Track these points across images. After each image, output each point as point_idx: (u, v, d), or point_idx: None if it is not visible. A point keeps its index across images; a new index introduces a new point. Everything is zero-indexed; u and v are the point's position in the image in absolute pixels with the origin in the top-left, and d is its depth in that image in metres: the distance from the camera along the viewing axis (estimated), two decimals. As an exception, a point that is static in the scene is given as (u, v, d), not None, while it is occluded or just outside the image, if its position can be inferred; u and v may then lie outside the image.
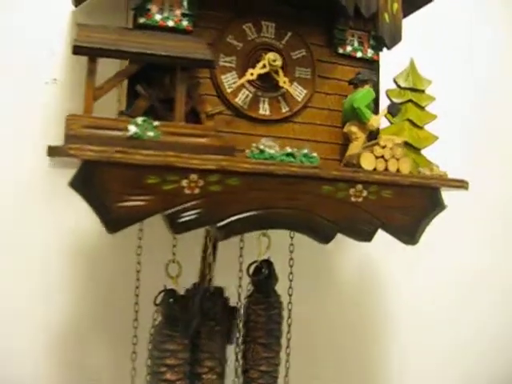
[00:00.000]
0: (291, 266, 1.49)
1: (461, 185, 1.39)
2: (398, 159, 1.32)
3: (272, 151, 1.24)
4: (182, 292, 1.41)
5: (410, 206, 1.38)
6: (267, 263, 1.49)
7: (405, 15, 1.62)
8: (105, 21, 1.42)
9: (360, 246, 1.44)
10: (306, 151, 1.27)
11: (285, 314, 1.50)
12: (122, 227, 1.20)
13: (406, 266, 1.95)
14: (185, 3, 1.36)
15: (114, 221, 1.19)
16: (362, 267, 1.92)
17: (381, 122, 1.43)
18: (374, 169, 1.31)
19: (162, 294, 1.39)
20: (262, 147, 1.24)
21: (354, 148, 1.40)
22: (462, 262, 2.07)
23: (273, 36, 1.43)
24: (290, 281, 1.49)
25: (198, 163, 1.18)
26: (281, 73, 1.40)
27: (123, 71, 1.25)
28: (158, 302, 1.39)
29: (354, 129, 1.41)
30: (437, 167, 1.45)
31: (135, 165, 1.15)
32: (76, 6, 1.64)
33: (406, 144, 1.47)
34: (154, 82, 1.30)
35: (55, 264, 1.56)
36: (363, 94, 1.40)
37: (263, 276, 1.47)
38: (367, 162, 1.29)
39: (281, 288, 1.50)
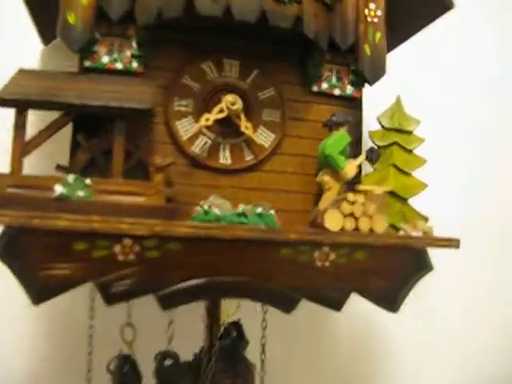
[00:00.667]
0: (264, 329, 1.31)
1: (448, 244, 1.18)
2: (370, 216, 1.13)
3: (218, 211, 1.07)
4: (137, 357, 1.25)
5: (388, 269, 1.19)
6: (236, 326, 1.32)
7: (393, 45, 1.43)
8: (74, 59, 1.27)
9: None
10: (260, 209, 1.10)
11: (257, 381, 1.32)
12: (48, 298, 1.07)
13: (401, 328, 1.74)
14: (134, 43, 1.22)
15: (38, 291, 1.06)
16: (350, 327, 1.71)
17: (356, 169, 1.24)
18: (342, 228, 1.11)
19: (116, 360, 1.24)
20: (206, 207, 1.07)
21: (325, 200, 1.22)
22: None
23: (236, 75, 1.27)
24: (263, 345, 1.31)
25: (127, 228, 1.03)
26: (242, 117, 1.23)
27: (55, 123, 1.11)
28: (111, 368, 1.24)
29: (327, 178, 1.22)
30: (424, 221, 1.25)
31: (59, 230, 1.01)
32: (45, 44, 1.53)
33: (391, 193, 1.27)
34: (96, 132, 1.16)
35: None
36: (336, 139, 1.21)
37: (231, 340, 1.30)
38: (333, 222, 1.11)
39: (252, 353, 1.32)
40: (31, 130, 1.10)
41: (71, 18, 1.17)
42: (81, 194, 1.05)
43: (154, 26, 1.20)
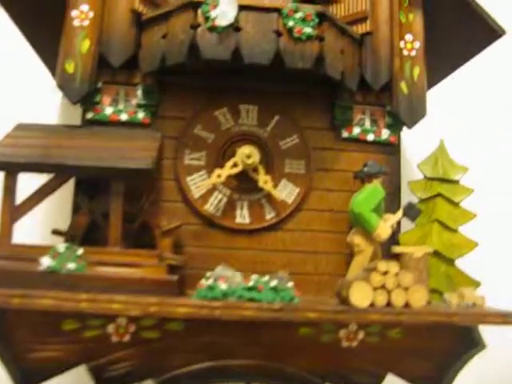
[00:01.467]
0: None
1: (504, 320, 0.96)
2: (406, 288, 0.94)
3: (225, 286, 0.91)
4: None
5: (429, 348, 0.99)
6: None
7: (435, 81, 1.24)
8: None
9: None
10: (275, 282, 0.92)
11: None
12: (36, 383, 0.94)
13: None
14: (139, 92, 1.09)
15: (25, 376, 0.93)
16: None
17: (393, 228, 1.05)
18: (372, 304, 0.93)
19: None
20: (211, 281, 0.92)
21: (355, 266, 1.04)
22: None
23: (255, 122, 1.11)
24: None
25: (118, 308, 0.88)
26: (261, 170, 1.07)
27: (46, 186, 0.99)
28: None
29: (358, 239, 1.05)
30: (474, 286, 1.05)
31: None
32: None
33: (435, 253, 1.08)
34: (96, 193, 1.04)
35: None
36: (367, 194, 1.04)
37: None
38: (360, 297, 0.93)
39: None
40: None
41: (70, 67, 1.06)
42: (71, 266, 0.92)
43: (160, 71, 1.06)
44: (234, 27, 1.00)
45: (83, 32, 1.09)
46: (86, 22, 1.09)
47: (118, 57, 1.08)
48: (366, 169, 1.07)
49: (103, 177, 0.98)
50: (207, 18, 0.99)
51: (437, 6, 1.16)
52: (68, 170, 0.97)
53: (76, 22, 1.09)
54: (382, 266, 0.94)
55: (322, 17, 1.03)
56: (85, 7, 1.09)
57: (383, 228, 1.03)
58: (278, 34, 1.01)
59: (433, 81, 1.21)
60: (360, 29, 1.12)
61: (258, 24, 1.00)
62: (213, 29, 0.99)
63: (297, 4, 1.02)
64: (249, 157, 1.05)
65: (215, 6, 0.99)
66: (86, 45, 1.08)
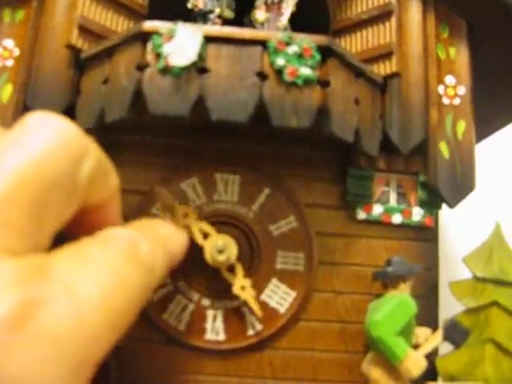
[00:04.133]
0: None
1: None
2: None
3: None
4: None
5: None
6: None
7: (482, 135, 0.86)
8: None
9: None
10: None
11: None
12: None
13: None
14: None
15: None
16: None
17: (425, 362, 0.66)
18: None
19: None
20: None
21: (375, 415, 0.65)
22: None
23: (236, 198, 0.74)
24: None
25: None
26: (239, 270, 0.70)
27: None
28: None
29: (376, 373, 0.67)
30: None
31: None
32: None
33: (493, 391, 0.68)
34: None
35: None
36: (390, 312, 0.65)
37: None
38: None
39: None
40: None
41: (-20, 124, 0.71)
42: None
43: (104, 128, 0.70)
44: (198, 67, 0.64)
45: (5, 75, 0.75)
46: (10, 62, 0.75)
47: (49, 108, 0.72)
48: (389, 269, 0.69)
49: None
50: (159, 56, 0.64)
51: (487, 35, 0.79)
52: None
53: (-4, 62, 0.75)
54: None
55: (327, 52, 0.67)
56: (9, 42, 0.75)
57: (413, 360, 0.64)
58: (263, 76, 0.64)
59: (480, 134, 0.83)
60: (383, 68, 0.75)
61: (233, 62, 0.64)
62: (166, 70, 0.63)
63: (290, 34, 0.66)
64: (221, 251, 0.68)
65: (170, 38, 0.63)
66: (7, 91, 0.74)
